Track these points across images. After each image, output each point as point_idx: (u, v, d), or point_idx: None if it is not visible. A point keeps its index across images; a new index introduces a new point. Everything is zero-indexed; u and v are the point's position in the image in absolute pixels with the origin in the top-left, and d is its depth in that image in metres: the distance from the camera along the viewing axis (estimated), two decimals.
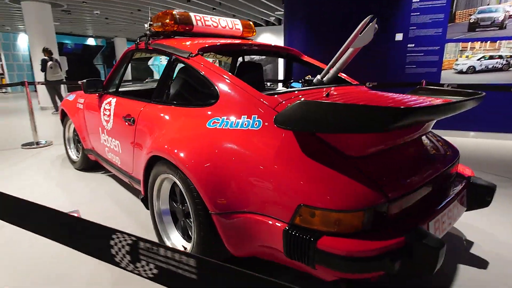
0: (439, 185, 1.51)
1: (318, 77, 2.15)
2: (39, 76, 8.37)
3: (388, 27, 4.77)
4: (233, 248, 1.39)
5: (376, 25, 1.85)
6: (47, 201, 2.56)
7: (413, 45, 4.69)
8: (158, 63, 21.42)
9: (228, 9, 9.75)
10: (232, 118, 1.49)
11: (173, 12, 2.24)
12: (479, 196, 1.65)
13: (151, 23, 2.28)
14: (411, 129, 1.46)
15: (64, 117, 3.34)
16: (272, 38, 12.19)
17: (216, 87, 1.65)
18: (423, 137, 1.68)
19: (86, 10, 10.05)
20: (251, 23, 2.74)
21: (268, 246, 1.29)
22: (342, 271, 1.09)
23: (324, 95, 1.63)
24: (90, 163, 3.13)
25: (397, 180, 1.27)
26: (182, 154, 1.45)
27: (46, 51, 7.60)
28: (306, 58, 2.54)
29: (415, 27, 4.65)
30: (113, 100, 2.38)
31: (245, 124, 1.44)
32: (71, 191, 2.76)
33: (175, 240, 1.72)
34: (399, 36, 4.75)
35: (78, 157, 3.28)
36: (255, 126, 1.41)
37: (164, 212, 1.78)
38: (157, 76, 20.81)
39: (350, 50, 1.97)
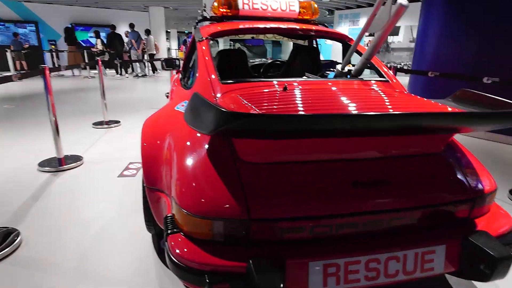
0: (383, 225, 1.12)
1: (338, 67, 1.83)
2: None
3: None
4: (159, 221, 1.52)
5: (402, 2, 1.40)
6: (128, 151, 3.34)
7: None
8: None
9: None
10: None
11: None
12: (472, 262, 1.10)
13: (205, 9, 2.49)
14: (354, 147, 1.12)
15: None
16: None
17: (197, 72, 1.73)
18: (411, 159, 1.21)
19: None
20: (312, 3, 2.49)
21: None
22: (172, 271, 1.06)
23: (282, 89, 1.42)
24: None
25: (280, 201, 1.05)
26: (145, 131, 1.65)
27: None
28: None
29: None
30: (176, 76, 2.81)
31: None
32: None
33: None
34: None
35: None
36: None
37: None
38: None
39: (377, 35, 1.61)
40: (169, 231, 1.11)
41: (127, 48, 11.27)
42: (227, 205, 1.03)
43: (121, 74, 11.50)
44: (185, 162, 1.20)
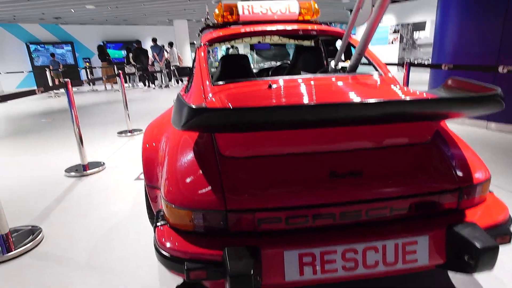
0: (360, 217, 1.11)
1: (332, 64, 1.84)
2: None
3: None
4: None
5: None
6: None
7: None
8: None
9: None
10: None
11: (221, 4, 2.47)
12: (458, 254, 1.06)
13: (208, 17, 2.60)
14: (326, 139, 1.13)
15: None
16: None
17: (193, 76, 1.83)
18: (393, 150, 1.20)
19: None
20: (313, 3, 2.52)
21: None
22: (158, 259, 1.13)
23: (267, 87, 1.47)
24: None
25: (256, 192, 1.09)
26: (146, 134, 1.76)
27: None
28: (352, 41, 2.12)
29: None
30: None
31: None
32: None
33: None
34: None
35: None
36: None
37: None
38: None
39: (366, 29, 1.61)
40: (157, 224, 1.19)
41: (152, 61, 11.85)
42: (206, 197, 1.08)
43: (148, 86, 12.08)
44: (172, 159, 1.28)
